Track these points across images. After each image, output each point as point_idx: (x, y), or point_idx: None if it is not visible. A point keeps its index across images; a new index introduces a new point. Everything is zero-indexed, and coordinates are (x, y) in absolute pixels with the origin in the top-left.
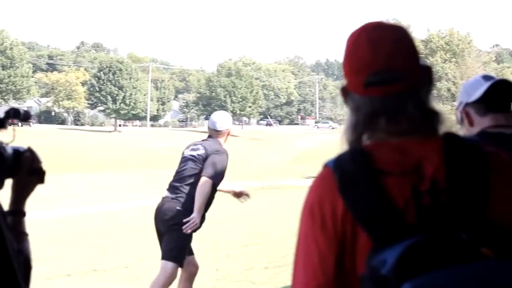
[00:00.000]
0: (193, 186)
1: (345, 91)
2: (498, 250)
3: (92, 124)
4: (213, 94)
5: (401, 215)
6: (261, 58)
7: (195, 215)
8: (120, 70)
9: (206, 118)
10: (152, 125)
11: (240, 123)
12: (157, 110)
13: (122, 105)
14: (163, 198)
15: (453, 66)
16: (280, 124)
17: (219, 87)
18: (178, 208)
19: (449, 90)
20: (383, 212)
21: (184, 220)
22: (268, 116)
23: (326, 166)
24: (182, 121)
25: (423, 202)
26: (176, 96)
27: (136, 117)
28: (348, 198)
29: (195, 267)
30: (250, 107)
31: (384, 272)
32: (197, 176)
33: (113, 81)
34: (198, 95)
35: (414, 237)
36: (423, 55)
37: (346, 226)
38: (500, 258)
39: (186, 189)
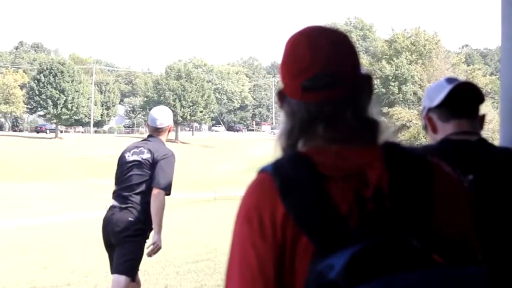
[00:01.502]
0: (144, 194)
1: (281, 95)
2: (446, 257)
3: (32, 130)
4: (162, 98)
5: (345, 221)
6: (213, 60)
7: (157, 238)
8: (62, 72)
9: None
10: (96, 131)
11: (191, 129)
12: (102, 115)
13: (63, 109)
14: (111, 207)
15: (419, 68)
16: (232, 130)
17: (168, 90)
18: (130, 219)
19: (415, 93)
20: (327, 217)
21: (148, 246)
22: (221, 122)
23: (262, 171)
24: (128, 127)
25: (367, 208)
26: (121, 100)
27: (78, 122)
28: (290, 202)
29: (138, 285)
30: (201, 112)
31: (332, 276)
32: (147, 183)
33: (54, 84)
34: (145, 99)
35: (360, 242)
36: (387, 56)
37: (287, 231)
38: (450, 265)
39: (136, 198)
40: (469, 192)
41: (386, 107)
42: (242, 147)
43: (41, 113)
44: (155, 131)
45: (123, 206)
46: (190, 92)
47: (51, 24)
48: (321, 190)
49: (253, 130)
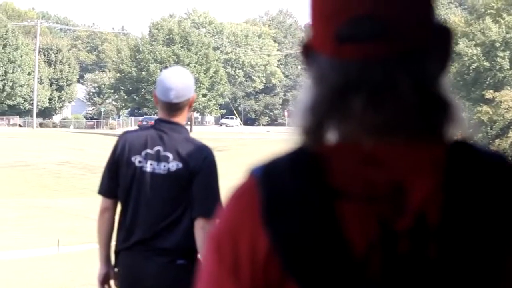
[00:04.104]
0: (180, 223)
1: (307, 49)
2: None
3: None
4: (143, 73)
5: (359, 268)
6: (223, 15)
7: None
8: None
9: (132, 114)
10: (41, 124)
11: (188, 123)
12: (50, 99)
13: None
14: (127, 250)
15: None
16: (252, 124)
17: (153, 62)
18: (172, 270)
19: None
20: (331, 259)
21: None
22: (235, 111)
23: (251, 174)
24: (92, 118)
25: (398, 250)
26: (81, 77)
27: (15, 110)
28: (276, 232)
29: None
30: (204, 95)
31: None
32: (182, 206)
33: None
34: (118, 74)
35: None
36: (494, 11)
37: (270, 274)
38: None
39: (173, 231)
40: None
41: (490, 90)
42: (263, 149)
43: None
44: (170, 110)
45: (157, 245)
46: (188, 65)
47: None
48: (328, 216)
49: (283, 124)
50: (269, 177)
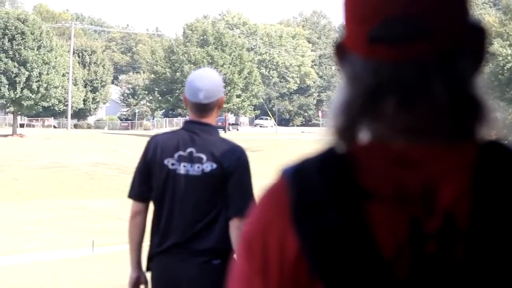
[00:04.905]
0: (219, 226)
1: (340, 50)
2: None
3: None
4: (178, 74)
5: (387, 269)
6: (257, 16)
7: None
8: (23, 33)
9: (166, 115)
10: (75, 126)
11: (223, 123)
12: (85, 100)
13: (25, 91)
14: (161, 254)
15: None
16: (284, 124)
17: (187, 63)
18: (214, 262)
19: None
20: (359, 260)
21: None
22: (269, 112)
23: (282, 174)
24: (126, 120)
25: (427, 251)
26: (115, 78)
27: (49, 111)
28: (305, 232)
29: None
30: (239, 96)
31: None
32: (217, 207)
33: (10, 52)
34: (153, 76)
35: None
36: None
37: (300, 274)
38: None
39: (209, 233)
40: None
41: None
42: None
43: None
44: (200, 111)
45: (188, 248)
46: (222, 66)
47: None
48: (356, 216)
49: (318, 124)
50: (299, 177)
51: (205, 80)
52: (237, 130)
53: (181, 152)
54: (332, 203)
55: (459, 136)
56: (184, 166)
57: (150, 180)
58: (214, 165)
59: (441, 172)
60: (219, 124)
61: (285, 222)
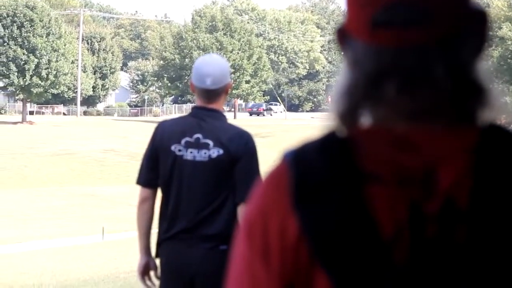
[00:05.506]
0: (226, 212)
1: (342, 34)
2: None
3: None
4: (187, 60)
5: (386, 251)
6: (266, 1)
7: None
8: (31, 20)
9: (176, 101)
10: (85, 113)
11: (231, 109)
12: (94, 87)
13: (35, 78)
14: (169, 240)
15: None
16: (293, 109)
17: (196, 49)
18: (221, 247)
19: None
20: (359, 243)
21: None
22: (279, 97)
23: (283, 158)
24: (135, 106)
25: (427, 233)
26: (125, 65)
27: (58, 99)
28: (305, 214)
29: None
30: (248, 82)
31: None
32: (224, 193)
33: (19, 39)
34: (162, 62)
35: None
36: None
37: (300, 258)
38: None
39: (216, 218)
40: None
41: None
42: (309, 137)
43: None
44: (207, 97)
45: (196, 234)
46: (231, 52)
47: None
48: (356, 199)
49: (327, 110)
50: (300, 160)
51: (212, 66)
52: (271, 115)
53: (188, 138)
54: (332, 186)
55: (460, 119)
56: (191, 152)
57: (157, 167)
58: (221, 151)
59: (441, 155)
60: (255, 109)
61: (285, 206)
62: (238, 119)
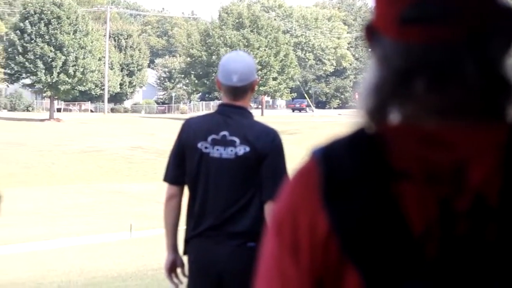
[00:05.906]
0: (254, 209)
1: (370, 31)
2: None
3: (13, 108)
4: (213, 57)
5: (417, 248)
6: None
7: None
8: (59, 17)
9: (203, 98)
10: (112, 110)
11: (259, 107)
12: (121, 84)
13: (62, 76)
14: (195, 238)
15: None
16: (321, 106)
17: (223, 46)
18: (249, 245)
19: None
20: (389, 240)
21: None
22: (306, 95)
23: (312, 155)
24: (163, 103)
25: (457, 230)
26: (152, 62)
27: (86, 96)
28: (335, 211)
29: None
30: (275, 79)
31: None
32: (251, 190)
33: (46, 37)
34: (189, 59)
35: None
36: None
37: (330, 254)
38: None
39: (244, 216)
40: None
41: None
42: (337, 134)
43: (27, 81)
44: (233, 94)
45: (223, 231)
46: (258, 49)
47: None
48: (385, 196)
49: (355, 106)
50: (329, 157)
51: (238, 63)
52: (313, 111)
53: (214, 135)
54: (361, 183)
55: (490, 116)
56: (218, 150)
57: (184, 164)
58: (247, 148)
59: (471, 152)
60: (297, 105)
61: (315, 203)
62: (266, 116)
